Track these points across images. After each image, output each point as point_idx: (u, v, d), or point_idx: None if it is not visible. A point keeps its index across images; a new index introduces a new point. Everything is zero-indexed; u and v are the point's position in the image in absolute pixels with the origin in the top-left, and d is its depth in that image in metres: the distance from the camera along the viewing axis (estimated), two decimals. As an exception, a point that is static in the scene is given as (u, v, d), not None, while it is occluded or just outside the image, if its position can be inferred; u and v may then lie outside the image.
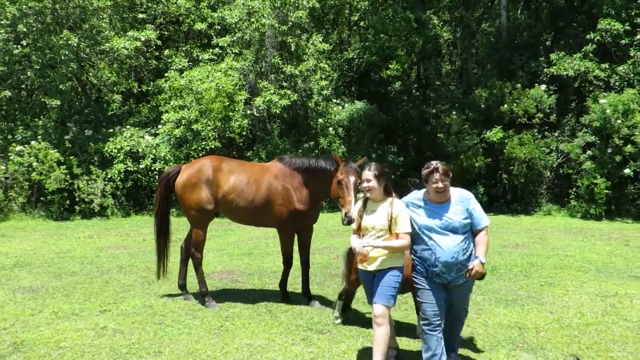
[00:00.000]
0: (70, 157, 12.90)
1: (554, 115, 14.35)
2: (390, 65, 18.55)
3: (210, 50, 15.29)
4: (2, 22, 13.41)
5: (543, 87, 14.48)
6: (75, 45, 13.40)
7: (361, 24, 21.38)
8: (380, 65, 19.29)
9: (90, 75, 15.47)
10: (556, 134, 14.58)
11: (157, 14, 16.11)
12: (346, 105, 17.15)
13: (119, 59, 15.06)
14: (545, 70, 14.95)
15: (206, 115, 13.27)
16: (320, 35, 15.93)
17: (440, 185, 3.83)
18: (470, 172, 14.79)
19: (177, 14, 16.09)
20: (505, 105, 14.35)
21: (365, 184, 4.05)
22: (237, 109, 13.70)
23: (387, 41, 17.79)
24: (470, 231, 3.92)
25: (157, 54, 16.04)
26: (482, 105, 15.23)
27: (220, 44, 15.06)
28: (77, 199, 12.65)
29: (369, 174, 4.03)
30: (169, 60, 15.10)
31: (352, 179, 5.01)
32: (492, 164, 14.73)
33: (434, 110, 18.15)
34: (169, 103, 13.73)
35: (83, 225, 11.90)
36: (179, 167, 6.12)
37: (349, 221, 4.69)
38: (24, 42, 13.52)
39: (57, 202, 12.55)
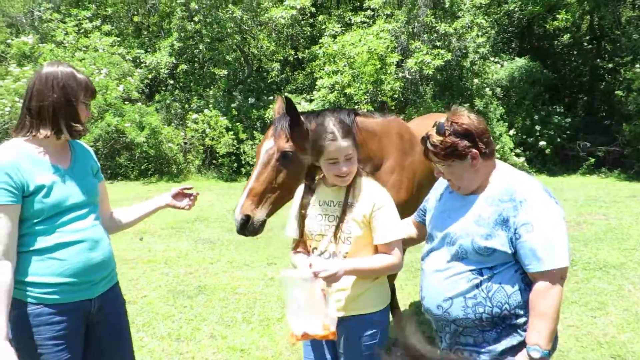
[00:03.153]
0: (237, 124, 14.05)
1: None
2: (558, 16, 16.67)
3: (362, 13, 15.24)
4: (179, 0, 14.88)
5: None
6: (238, 17, 14.37)
7: (524, -28, 19.43)
8: (545, 16, 17.44)
9: (252, 46, 16.50)
10: None
11: (311, -18, 16.49)
12: (505, 63, 15.92)
13: (276, 29, 15.80)
14: None
15: (358, 79, 13.38)
16: (477, -12, 14.89)
17: (438, 168, 2.08)
18: (655, 135, 12.87)
19: (330, -20, 16.30)
20: None
21: (344, 167, 2.17)
22: (388, 71, 13.57)
23: (554, -12, 15.98)
24: (516, 271, 1.95)
25: (311, 21, 16.48)
26: (675, 55, 13.01)
27: (372, 6, 14.93)
28: (242, 162, 13.82)
29: (346, 143, 2.14)
30: (323, 27, 15.41)
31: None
32: (685, 126, 12.61)
33: (610, 65, 15.95)
34: (323, 69, 14.09)
35: (248, 185, 12.98)
36: None
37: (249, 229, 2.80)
38: (195, 19, 14.88)
39: (226, 165, 13.84)
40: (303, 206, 2.35)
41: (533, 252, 1.88)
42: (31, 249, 2.00)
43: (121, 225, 2.47)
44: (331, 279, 2.05)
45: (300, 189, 2.45)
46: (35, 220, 2.01)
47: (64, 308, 2.04)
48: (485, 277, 1.95)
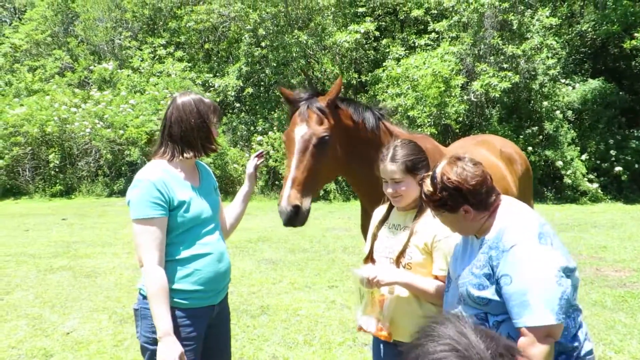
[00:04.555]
0: (299, 146, 14.26)
1: None
2: (636, 34, 15.88)
3: (427, 36, 15.19)
4: (247, 27, 15.48)
5: None
6: (304, 42, 14.73)
7: (598, -10, 18.72)
8: (621, 36, 16.65)
9: (315, 69, 16.82)
10: None
11: (376, 6, 16.66)
12: (577, 85, 15.30)
13: (340, 53, 16.04)
14: None
15: (422, 102, 13.28)
16: (547, 9, 14.48)
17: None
18: None
19: (395, 4, 16.38)
20: None
21: (390, 189, 2.27)
22: (453, 94, 13.39)
23: (631, 6, 15.25)
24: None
25: (375, 44, 16.61)
26: None
27: (436, 29, 14.87)
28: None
29: (392, 167, 2.22)
30: (386, 50, 15.48)
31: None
32: None
33: (695, 85, 14.99)
34: (386, 92, 14.10)
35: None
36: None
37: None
38: (262, 44, 15.39)
39: (288, 186, 14.04)
40: (376, 226, 2.45)
41: (511, 306, 1.73)
42: (176, 258, 2.22)
43: (233, 225, 2.66)
44: (374, 283, 2.15)
45: (383, 208, 2.49)
46: (177, 232, 2.22)
47: (193, 313, 2.23)
48: (492, 324, 1.84)
